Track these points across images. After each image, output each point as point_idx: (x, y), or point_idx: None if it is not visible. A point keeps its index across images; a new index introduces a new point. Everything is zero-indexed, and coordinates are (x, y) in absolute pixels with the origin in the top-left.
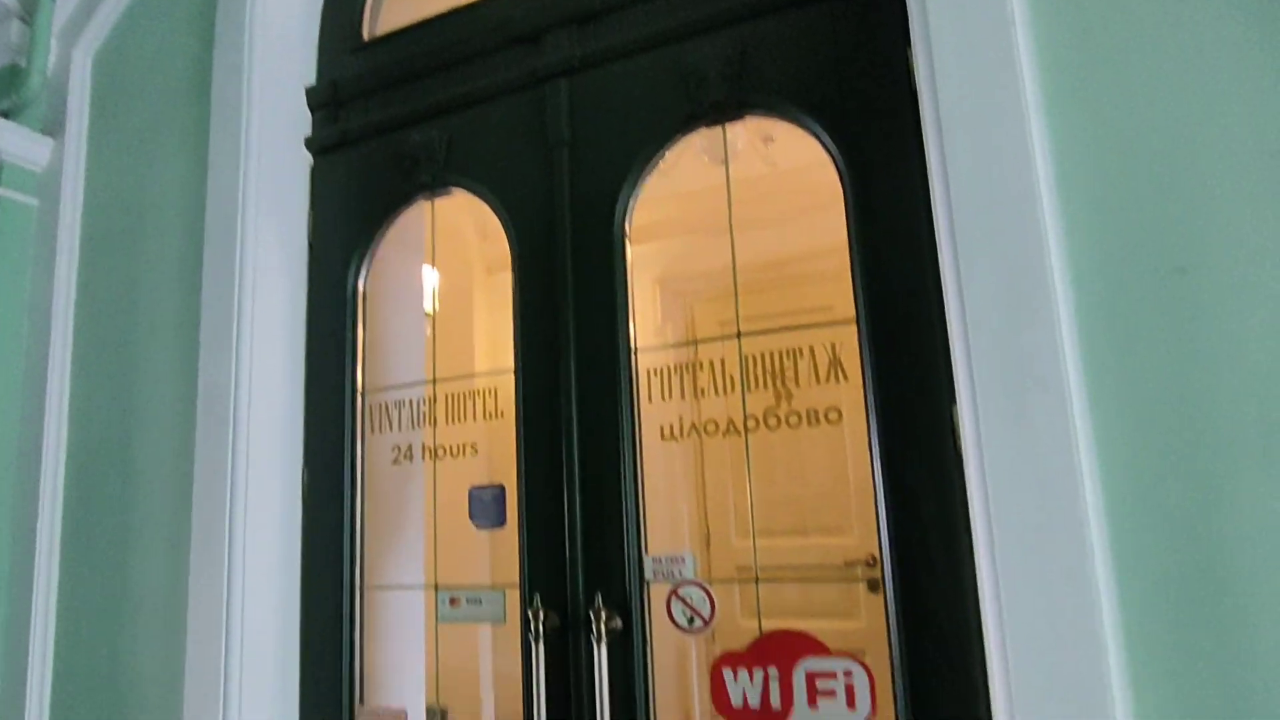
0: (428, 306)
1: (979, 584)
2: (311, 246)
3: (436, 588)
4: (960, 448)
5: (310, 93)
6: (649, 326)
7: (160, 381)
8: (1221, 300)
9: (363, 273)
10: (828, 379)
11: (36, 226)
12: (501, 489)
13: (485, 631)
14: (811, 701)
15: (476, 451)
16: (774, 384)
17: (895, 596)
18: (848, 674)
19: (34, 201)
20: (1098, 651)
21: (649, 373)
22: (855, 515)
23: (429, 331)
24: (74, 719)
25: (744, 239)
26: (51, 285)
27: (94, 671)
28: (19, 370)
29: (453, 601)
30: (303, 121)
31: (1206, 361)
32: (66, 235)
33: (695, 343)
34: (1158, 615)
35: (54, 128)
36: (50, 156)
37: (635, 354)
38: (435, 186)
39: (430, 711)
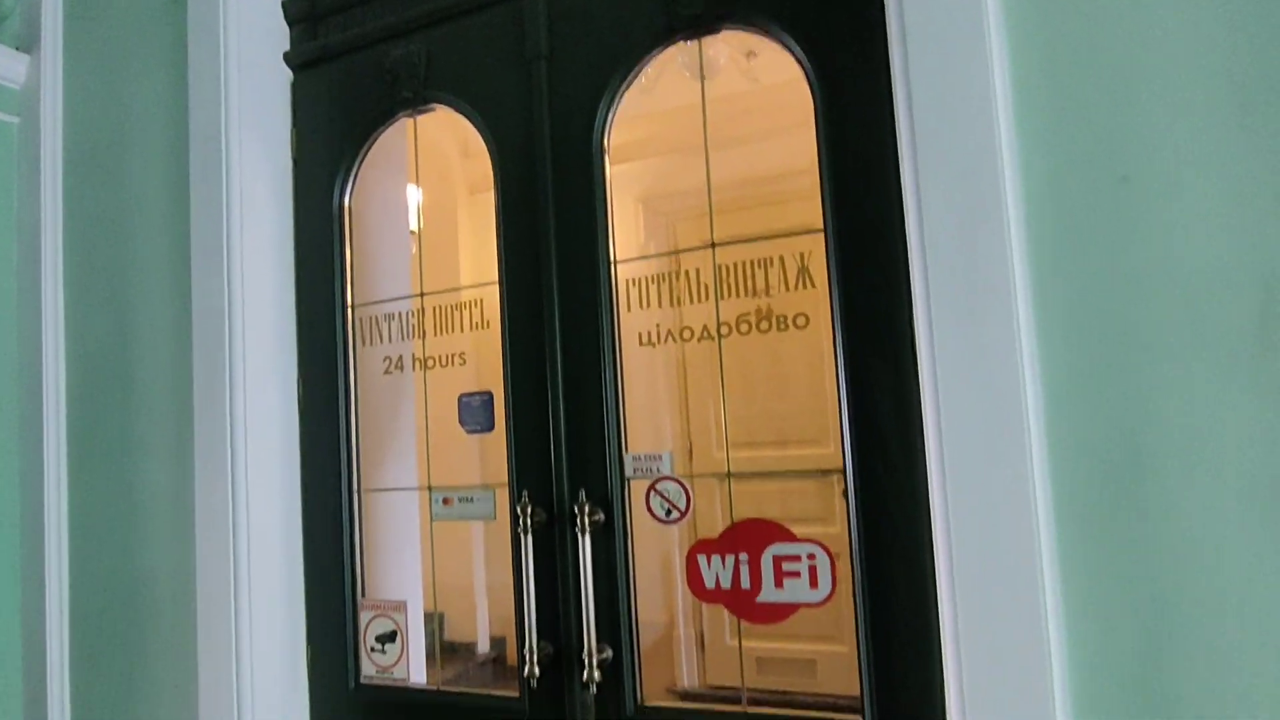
0: (413, 224)
1: (928, 473)
2: (296, 163)
3: (430, 489)
4: (916, 348)
5: (287, 6)
6: (632, 245)
7: (153, 296)
8: (1160, 207)
9: (348, 189)
10: (796, 286)
11: (18, 144)
12: (489, 395)
13: (479, 540)
14: (778, 583)
15: (464, 361)
16: (746, 292)
17: (855, 487)
18: (811, 557)
19: (14, 120)
20: (1031, 529)
21: (628, 283)
22: (832, 428)
23: (415, 249)
24: (93, 618)
25: (727, 156)
26: (38, 202)
27: (109, 573)
28: (13, 288)
29: (445, 501)
30: (281, 36)
31: (1143, 265)
32: (49, 152)
33: (672, 254)
34: (1087, 497)
35: (29, 44)
36: (27, 73)
37: (615, 265)
38: (416, 103)
39: (428, 616)
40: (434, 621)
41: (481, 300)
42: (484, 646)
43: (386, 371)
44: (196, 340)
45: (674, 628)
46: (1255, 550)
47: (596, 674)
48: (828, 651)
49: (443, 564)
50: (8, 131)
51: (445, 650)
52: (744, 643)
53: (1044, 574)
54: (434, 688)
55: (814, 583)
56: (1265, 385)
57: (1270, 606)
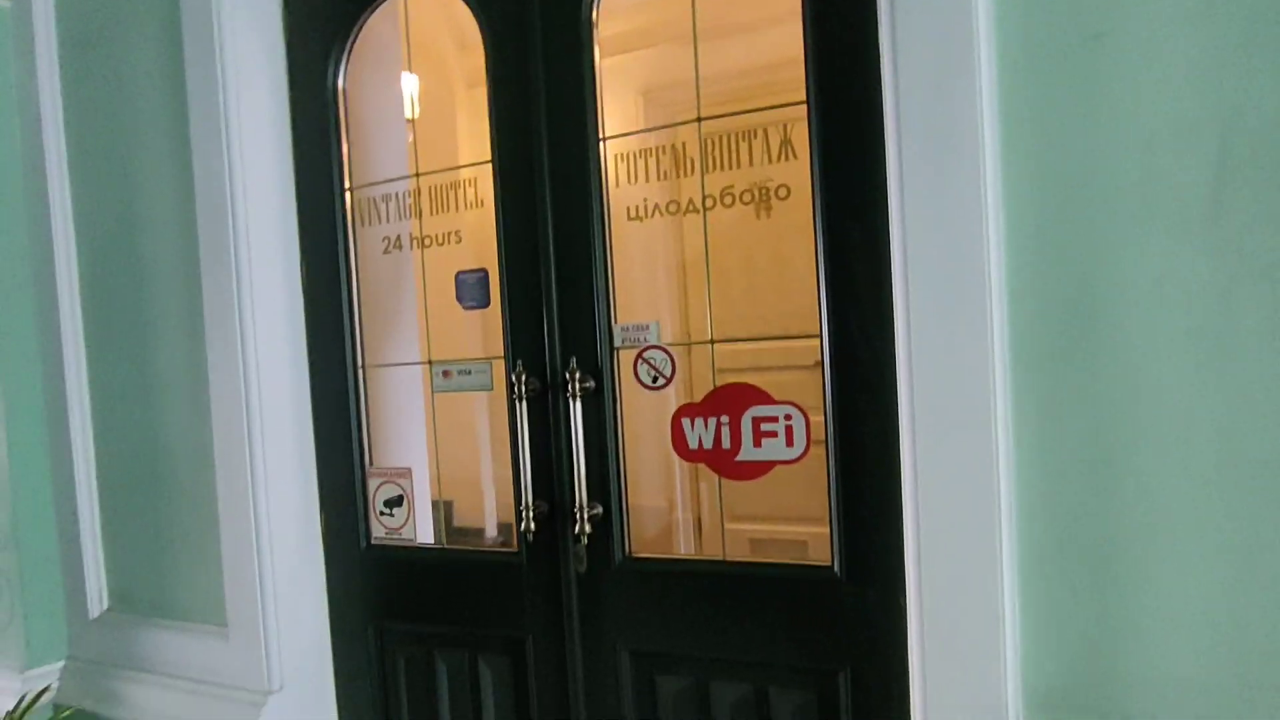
0: (409, 112)
1: (894, 328)
2: (289, 45)
3: (430, 363)
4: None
5: None
6: (632, 137)
7: (157, 178)
8: (1130, 65)
9: (341, 71)
10: (779, 159)
11: (12, 28)
12: (485, 272)
13: (485, 432)
14: (756, 442)
15: (460, 240)
16: (732, 165)
17: (829, 348)
18: (788, 418)
19: (6, 3)
20: (987, 377)
21: (616, 159)
22: (812, 296)
23: (411, 137)
24: (119, 493)
25: (719, 46)
26: (36, 86)
27: (132, 448)
28: (18, 174)
29: (445, 374)
30: None
31: (1109, 124)
32: (43, 36)
33: (658, 129)
34: (1043, 345)
35: None
36: None
37: (604, 141)
38: None
39: (435, 504)
40: (440, 509)
41: (476, 179)
42: (491, 532)
43: (386, 251)
44: (201, 222)
45: (673, 511)
46: (1193, 394)
47: (588, 527)
48: (819, 534)
49: (452, 455)
50: (1, 16)
51: (453, 535)
52: (740, 525)
53: (998, 418)
54: (439, 546)
55: (790, 441)
56: (1217, 242)
57: (1202, 444)
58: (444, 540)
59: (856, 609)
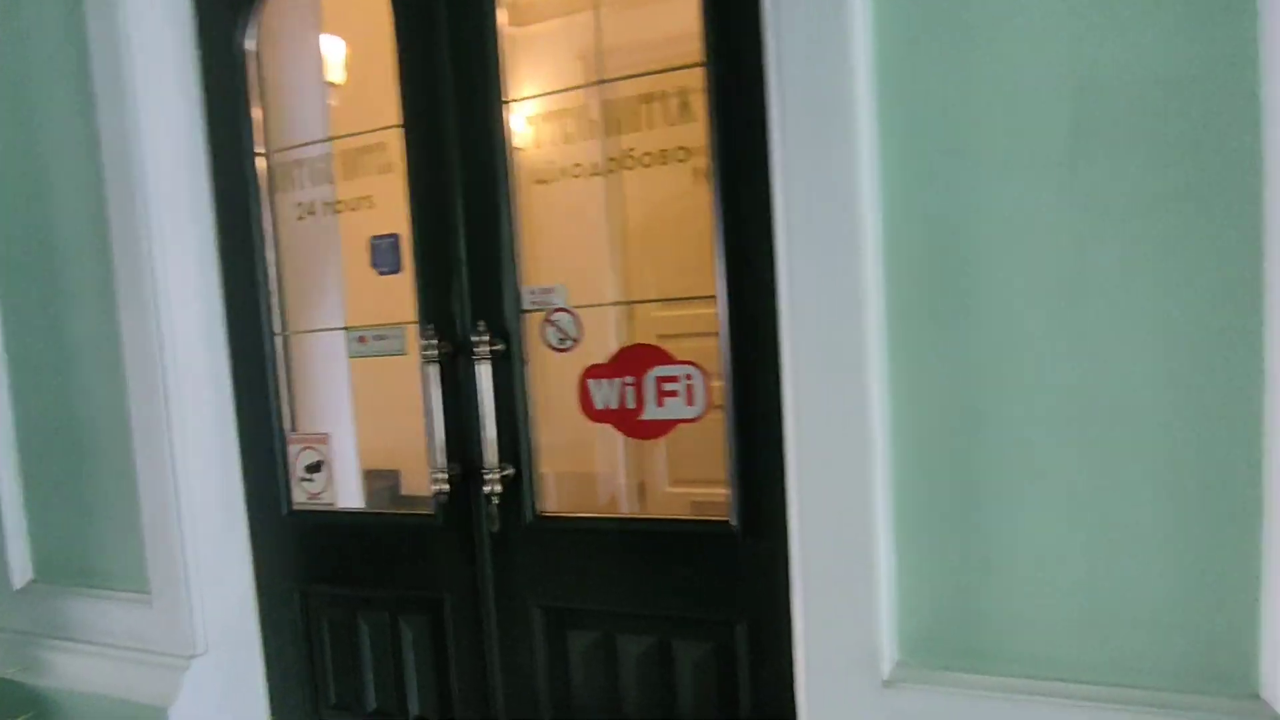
0: (334, 76)
1: (776, 282)
2: (196, 5)
3: (347, 329)
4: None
5: None
6: (561, 98)
7: (64, 144)
8: (995, 25)
9: (250, 32)
10: (678, 122)
11: None
12: (396, 237)
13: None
14: (659, 402)
15: (373, 205)
16: (634, 129)
17: (725, 309)
18: (689, 377)
19: None
20: (861, 331)
21: (525, 123)
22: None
23: (332, 100)
24: (39, 463)
25: (629, 16)
26: None
27: (51, 422)
28: None
29: (361, 339)
30: None
31: (978, 79)
32: None
33: (560, 91)
34: (916, 293)
35: None
36: None
37: (508, 105)
38: None
39: (385, 474)
40: (390, 478)
41: (386, 143)
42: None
43: (300, 217)
44: (108, 187)
45: (615, 478)
46: (1051, 344)
47: (499, 488)
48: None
49: (394, 423)
50: None
51: (403, 503)
52: (682, 489)
53: (872, 372)
54: (358, 509)
55: (690, 400)
56: (1075, 191)
57: (1058, 392)
58: (390, 509)
59: (752, 562)
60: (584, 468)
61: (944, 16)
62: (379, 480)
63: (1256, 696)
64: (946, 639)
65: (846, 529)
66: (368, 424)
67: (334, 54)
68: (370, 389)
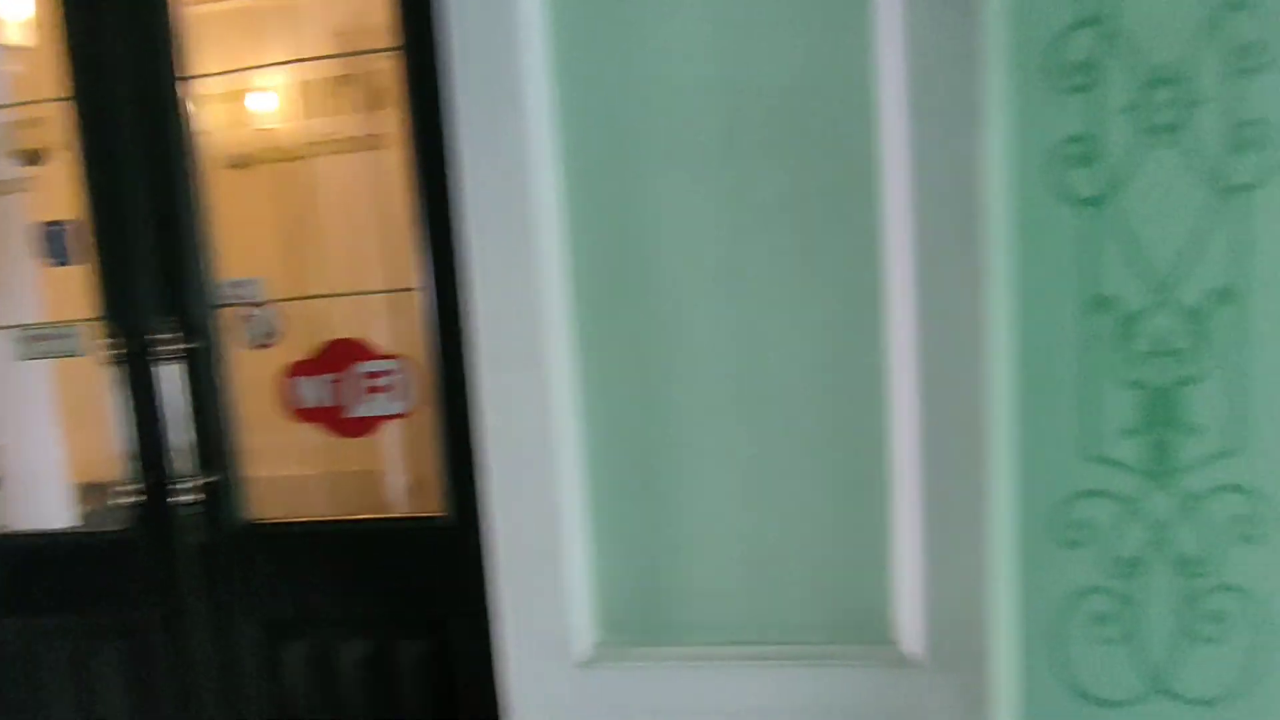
0: (8, 37)
1: (470, 277)
2: None
3: (7, 327)
4: None
5: None
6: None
7: None
8: (659, 27)
9: None
10: (374, 109)
11: None
12: (67, 225)
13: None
14: (367, 398)
15: (43, 187)
16: (329, 114)
17: (430, 301)
18: (396, 372)
19: None
20: (541, 320)
21: (211, 106)
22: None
23: (15, 65)
24: None
25: None
26: None
27: None
28: None
29: (34, 339)
30: None
31: (645, 82)
32: None
33: (240, 70)
34: (596, 286)
35: None
36: None
37: (185, 82)
38: None
39: (90, 486)
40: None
41: (51, 118)
42: None
43: None
44: None
45: (386, 475)
46: (713, 331)
47: (199, 496)
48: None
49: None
50: None
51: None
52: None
53: (555, 359)
54: (45, 529)
55: (398, 395)
56: (728, 186)
57: (722, 378)
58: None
59: (466, 555)
60: (305, 470)
61: (610, 14)
62: (100, 495)
63: (892, 642)
64: (641, 616)
65: (538, 517)
66: (83, 433)
67: (14, 12)
68: (80, 394)
